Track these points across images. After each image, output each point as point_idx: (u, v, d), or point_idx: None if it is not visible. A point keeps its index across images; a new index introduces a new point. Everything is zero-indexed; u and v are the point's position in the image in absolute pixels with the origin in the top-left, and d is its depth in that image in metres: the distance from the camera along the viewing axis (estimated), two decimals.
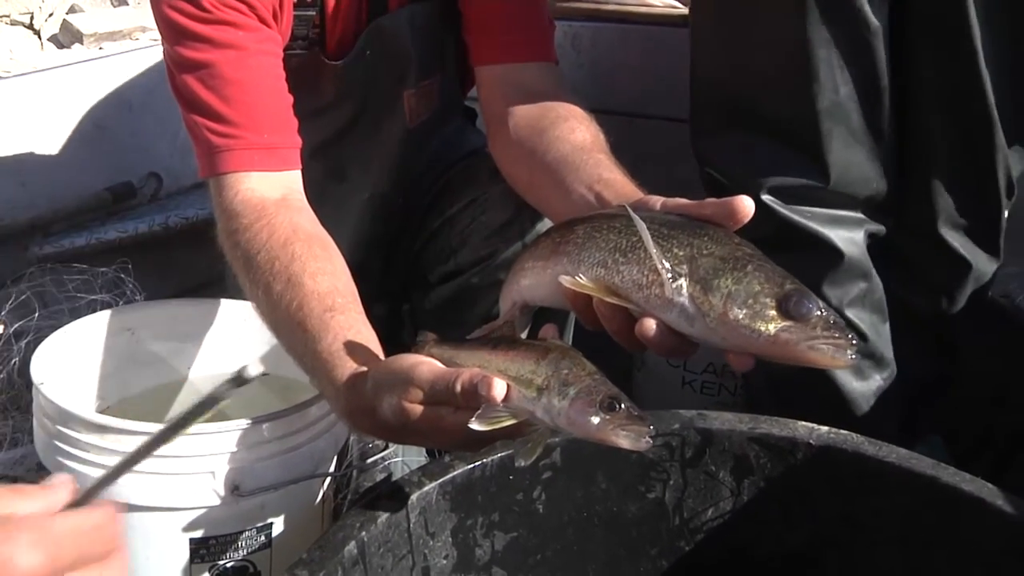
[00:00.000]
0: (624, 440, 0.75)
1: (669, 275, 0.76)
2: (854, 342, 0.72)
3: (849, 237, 1.34)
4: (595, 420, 0.75)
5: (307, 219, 1.10)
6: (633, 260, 0.79)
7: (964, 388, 1.53)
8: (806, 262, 1.26)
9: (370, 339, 0.96)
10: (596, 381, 0.77)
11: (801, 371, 1.12)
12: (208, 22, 1.13)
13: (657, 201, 0.87)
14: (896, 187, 1.36)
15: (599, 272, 0.81)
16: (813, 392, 1.35)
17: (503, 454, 1.01)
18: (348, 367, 0.92)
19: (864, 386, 1.38)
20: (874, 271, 1.37)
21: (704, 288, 0.74)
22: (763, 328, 0.73)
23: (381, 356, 0.94)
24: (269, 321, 1.05)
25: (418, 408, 0.82)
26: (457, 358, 0.87)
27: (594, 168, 1.05)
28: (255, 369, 0.60)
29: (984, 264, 1.42)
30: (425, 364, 0.84)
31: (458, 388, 0.79)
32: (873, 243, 1.37)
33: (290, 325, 0.99)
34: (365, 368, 0.91)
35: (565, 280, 0.82)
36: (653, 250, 0.76)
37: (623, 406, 0.76)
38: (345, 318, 0.97)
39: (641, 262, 0.79)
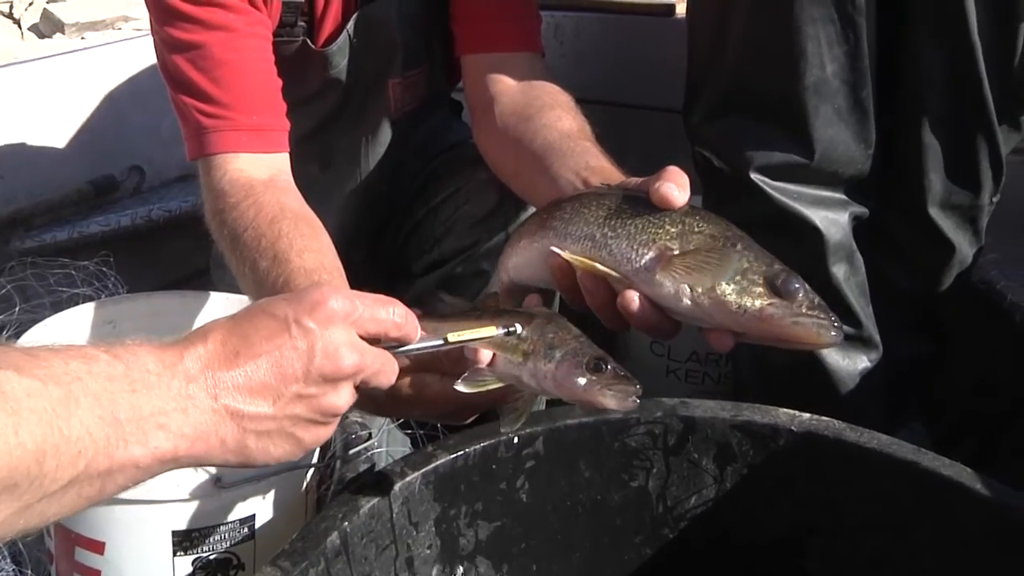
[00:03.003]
0: (611, 400, 0.76)
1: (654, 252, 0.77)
2: (836, 323, 0.74)
3: (833, 219, 1.35)
4: (582, 381, 0.76)
5: (294, 199, 1.10)
6: (623, 234, 0.80)
7: (948, 373, 1.54)
8: (791, 244, 1.28)
9: None
10: (582, 343, 0.78)
11: (789, 355, 1.15)
12: (199, 3, 1.12)
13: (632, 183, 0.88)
14: (882, 168, 1.37)
15: (586, 245, 0.82)
16: (801, 375, 1.37)
17: (486, 444, 1.01)
18: None
19: (851, 367, 1.39)
20: (858, 253, 1.38)
21: (691, 265, 0.77)
22: (750, 303, 0.74)
23: None
24: (255, 298, 1.05)
25: (404, 377, 0.82)
26: (442, 329, 0.87)
27: (581, 156, 1.05)
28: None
29: (966, 247, 1.44)
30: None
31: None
32: (858, 225, 1.38)
33: None
34: None
35: (553, 250, 0.83)
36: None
37: (609, 367, 0.76)
38: None
39: (631, 236, 0.80)
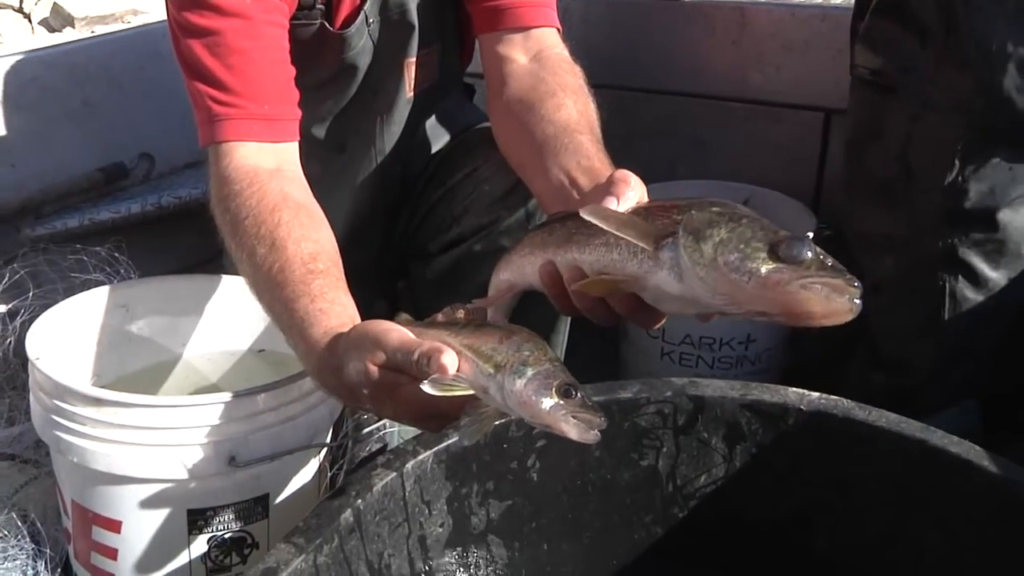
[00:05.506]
0: (573, 429, 0.74)
1: (658, 242, 0.76)
2: (855, 284, 0.68)
3: None
4: (548, 403, 0.74)
5: (298, 189, 1.11)
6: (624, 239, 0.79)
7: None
8: None
9: (348, 304, 0.97)
10: (556, 367, 0.76)
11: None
12: None
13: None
14: None
15: (600, 253, 0.81)
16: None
17: (496, 423, 1.02)
18: (323, 327, 0.93)
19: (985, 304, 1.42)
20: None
21: (696, 238, 0.73)
22: (753, 269, 0.70)
23: (357, 320, 0.95)
24: (251, 283, 1.06)
25: (378, 371, 0.83)
26: (425, 335, 0.86)
27: (572, 154, 1.06)
28: None
29: None
30: (395, 331, 0.85)
31: (415, 356, 0.80)
32: None
33: (270, 286, 1.00)
34: (339, 329, 0.92)
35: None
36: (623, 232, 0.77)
37: (579, 395, 0.75)
38: (325, 281, 0.98)
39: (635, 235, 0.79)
